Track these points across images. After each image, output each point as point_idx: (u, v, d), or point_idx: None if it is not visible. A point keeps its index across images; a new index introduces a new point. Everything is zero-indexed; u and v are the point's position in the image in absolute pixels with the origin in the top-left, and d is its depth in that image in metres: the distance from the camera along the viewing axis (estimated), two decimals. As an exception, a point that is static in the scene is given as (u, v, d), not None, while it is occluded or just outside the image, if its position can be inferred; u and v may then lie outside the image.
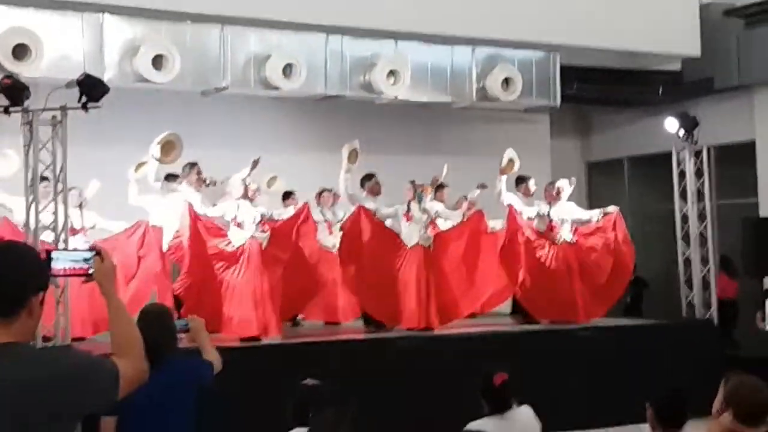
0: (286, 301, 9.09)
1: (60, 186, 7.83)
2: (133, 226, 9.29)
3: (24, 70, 9.14)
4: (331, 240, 10.17)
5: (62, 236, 7.76)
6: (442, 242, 9.99)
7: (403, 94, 11.57)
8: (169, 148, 9.12)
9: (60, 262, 2.79)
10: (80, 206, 9.03)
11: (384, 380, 8.39)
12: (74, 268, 2.81)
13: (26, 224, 7.79)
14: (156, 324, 4.26)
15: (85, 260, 2.80)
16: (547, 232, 10.38)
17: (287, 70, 10.75)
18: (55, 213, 7.79)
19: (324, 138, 11.74)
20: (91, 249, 2.86)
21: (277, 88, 10.83)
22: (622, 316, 11.70)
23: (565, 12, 11.84)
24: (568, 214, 10.52)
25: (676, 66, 13.59)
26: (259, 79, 10.79)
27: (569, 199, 10.70)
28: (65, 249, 3.24)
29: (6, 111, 7.51)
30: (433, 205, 10.13)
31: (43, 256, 2.73)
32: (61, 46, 9.72)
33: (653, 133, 12.73)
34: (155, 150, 9.07)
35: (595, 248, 10.54)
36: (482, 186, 10.47)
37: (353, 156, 9.76)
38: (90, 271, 2.80)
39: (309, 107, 11.98)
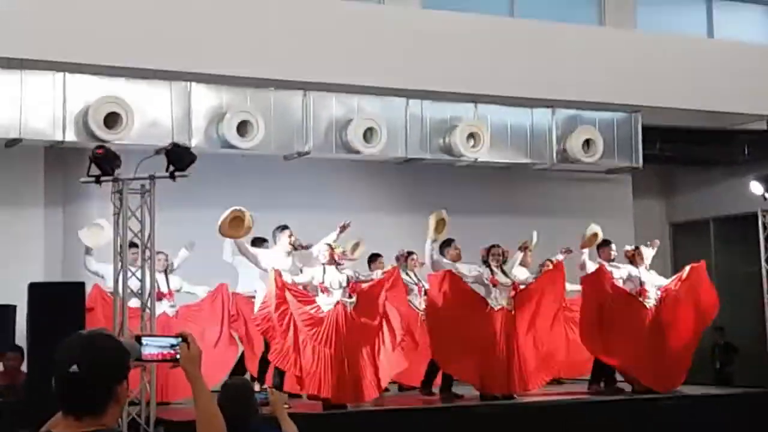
0: (376, 369, 8.88)
1: (148, 253, 7.97)
2: (215, 290, 9.44)
3: (115, 138, 9.48)
4: (423, 303, 10.08)
5: (149, 302, 7.90)
6: (521, 300, 9.77)
7: (483, 157, 11.63)
8: (236, 223, 8.74)
9: (148, 348, 2.90)
10: (166, 271, 9.20)
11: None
12: (162, 353, 2.91)
13: (114, 291, 7.93)
14: (237, 398, 4.42)
15: (172, 346, 2.90)
16: (638, 295, 10.17)
17: (368, 134, 10.92)
18: (142, 279, 7.93)
19: (405, 200, 11.82)
20: (177, 335, 2.94)
21: (358, 152, 11.00)
22: (711, 384, 11.29)
23: (646, 72, 11.74)
24: (653, 279, 10.33)
25: (761, 125, 13.34)
26: (340, 143, 10.98)
27: (652, 262, 10.50)
28: (153, 335, 3.35)
29: (97, 181, 7.69)
30: (518, 270, 10.00)
31: (134, 341, 2.86)
32: (151, 114, 10.08)
33: (739, 194, 12.45)
34: (222, 228, 8.79)
35: (684, 313, 10.25)
36: (567, 251, 10.29)
37: (440, 225, 9.58)
38: (177, 357, 2.89)
39: (390, 170, 12.08)
